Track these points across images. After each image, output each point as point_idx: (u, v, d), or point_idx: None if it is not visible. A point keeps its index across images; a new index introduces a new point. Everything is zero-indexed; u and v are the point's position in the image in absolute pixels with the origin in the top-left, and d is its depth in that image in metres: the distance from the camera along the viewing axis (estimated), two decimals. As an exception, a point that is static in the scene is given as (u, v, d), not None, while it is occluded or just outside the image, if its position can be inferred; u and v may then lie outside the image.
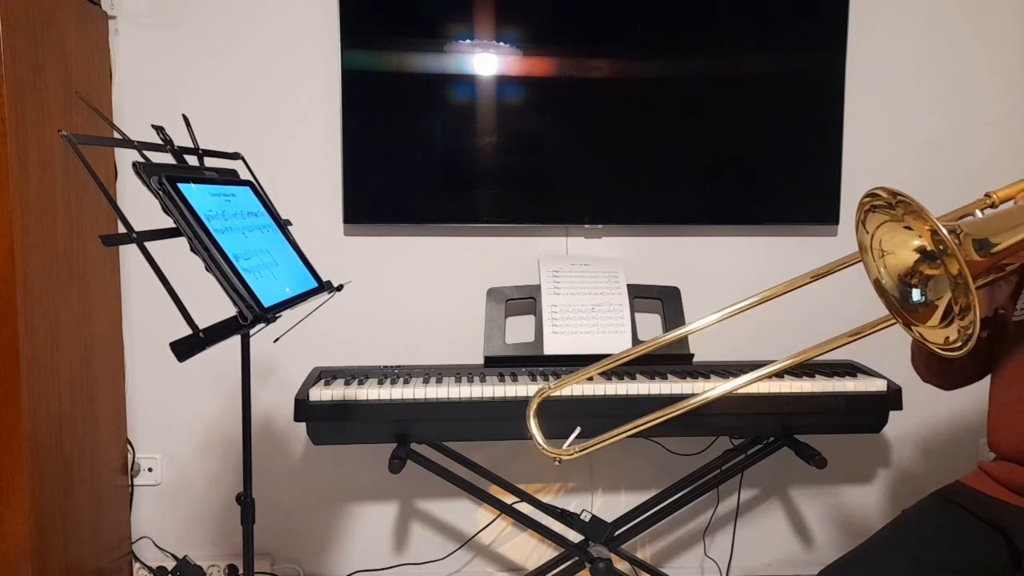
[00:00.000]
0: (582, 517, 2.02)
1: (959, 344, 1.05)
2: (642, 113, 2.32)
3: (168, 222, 1.33)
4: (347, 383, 1.96)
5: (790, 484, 2.52)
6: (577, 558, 2.04)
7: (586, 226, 2.37)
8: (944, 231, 1.00)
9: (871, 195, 1.12)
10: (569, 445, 1.33)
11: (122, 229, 1.25)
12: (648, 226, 2.39)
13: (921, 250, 1.10)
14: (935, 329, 1.09)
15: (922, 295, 1.12)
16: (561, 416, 1.89)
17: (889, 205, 1.10)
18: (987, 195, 1.18)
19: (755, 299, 1.31)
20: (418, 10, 2.24)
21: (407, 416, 1.91)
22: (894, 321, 1.17)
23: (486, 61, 2.25)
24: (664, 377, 1.99)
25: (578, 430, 1.36)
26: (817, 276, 1.30)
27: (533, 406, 1.35)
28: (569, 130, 2.32)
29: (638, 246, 2.40)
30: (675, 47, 2.31)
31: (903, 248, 1.12)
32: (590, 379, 1.97)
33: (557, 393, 1.39)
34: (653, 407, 1.93)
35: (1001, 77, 2.44)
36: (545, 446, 1.31)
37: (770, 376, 1.34)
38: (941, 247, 1.03)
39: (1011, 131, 2.46)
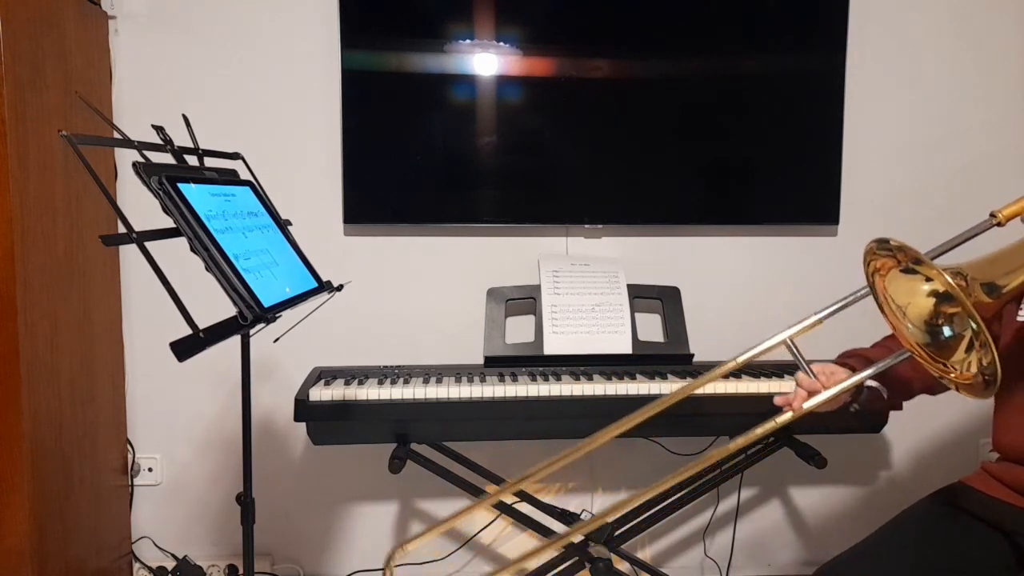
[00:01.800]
0: (582, 517, 2.02)
1: (977, 374, 1.05)
2: (642, 113, 2.32)
3: (168, 222, 1.33)
4: (347, 383, 1.96)
5: (790, 484, 2.52)
6: (577, 558, 2.04)
7: (586, 226, 2.37)
8: (948, 279, 0.99)
9: (876, 243, 1.09)
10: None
11: (122, 229, 1.25)
12: (648, 226, 2.39)
13: (935, 293, 1.10)
14: (963, 360, 1.09)
15: (951, 330, 1.11)
16: (562, 416, 1.91)
17: (890, 252, 1.09)
18: (992, 215, 1.16)
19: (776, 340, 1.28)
20: (418, 10, 2.24)
21: (407, 416, 1.91)
22: (907, 355, 1.16)
23: (486, 61, 2.25)
24: (664, 377, 1.99)
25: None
26: (826, 316, 1.28)
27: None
28: (569, 130, 2.32)
29: (638, 246, 2.40)
30: (675, 47, 2.31)
31: (915, 295, 1.11)
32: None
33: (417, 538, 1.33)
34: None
35: (999, 77, 2.44)
36: None
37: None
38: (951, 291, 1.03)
39: (1009, 131, 2.46)
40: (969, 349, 1.08)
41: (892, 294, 1.13)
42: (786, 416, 1.25)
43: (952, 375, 1.10)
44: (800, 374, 1.30)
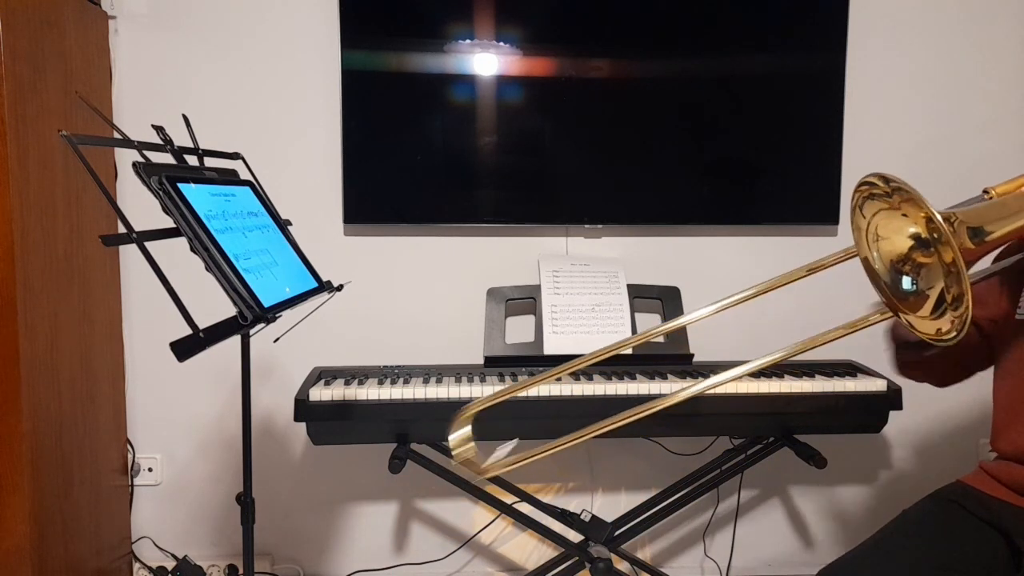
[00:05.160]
0: (582, 517, 2.03)
1: (952, 334, 1.04)
2: (642, 113, 2.32)
3: (168, 222, 1.33)
4: (347, 383, 1.96)
5: (790, 484, 2.52)
6: (577, 558, 2.04)
7: (586, 226, 2.37)
8: (939, 217, 1.00)
9: (868, 183, 1.11)
10: (494, 461, 1.28)
11: (122, 229, 1.25)
12: (648, 226, 2.39)
13: (916, 237, 1.10)
14: (926, 320, 1.09)
15: (913, 284, 1.12)
16: (562, 417, 1.91)
17: (886, 193, 1.09)
18: (985, 191, 1.18)
19: (749, 292, 1.30)
20: (418, 10, 2.24)
21: (407, 416, 1.91)
22: (890, 315, 1.17)
23: (486, 61, 2.25)
24: (664, 377, 1.99)
25: (516, 442, 1.31)
26: (813, 269, 1.30)
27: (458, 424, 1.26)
28: (569, 130, 2.32)
29: (638, 246, 2.40)
30: (675, 47, 2.31)
31: (898, 235, 1.11)
32: (558, 379, 1.97)
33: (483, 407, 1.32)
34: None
35: (999, 78, 2.44)
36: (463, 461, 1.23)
37: (756, 372, 1.31)
38: (935, 234, 1.03)
39: (1009, 132, 2.46)
40: (938, 311, 1.08)
41: (878, 222, 1.13)
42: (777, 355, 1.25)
43: (920, 331, 1.11)
44: None
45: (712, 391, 1.89)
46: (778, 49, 2.34)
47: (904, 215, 1.09)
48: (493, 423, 1.93)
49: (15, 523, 1.77)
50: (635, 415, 1.16)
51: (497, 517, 2.40)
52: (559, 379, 1.96)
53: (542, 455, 1.21)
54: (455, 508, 2.42)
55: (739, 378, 1.22)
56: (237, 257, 1.36)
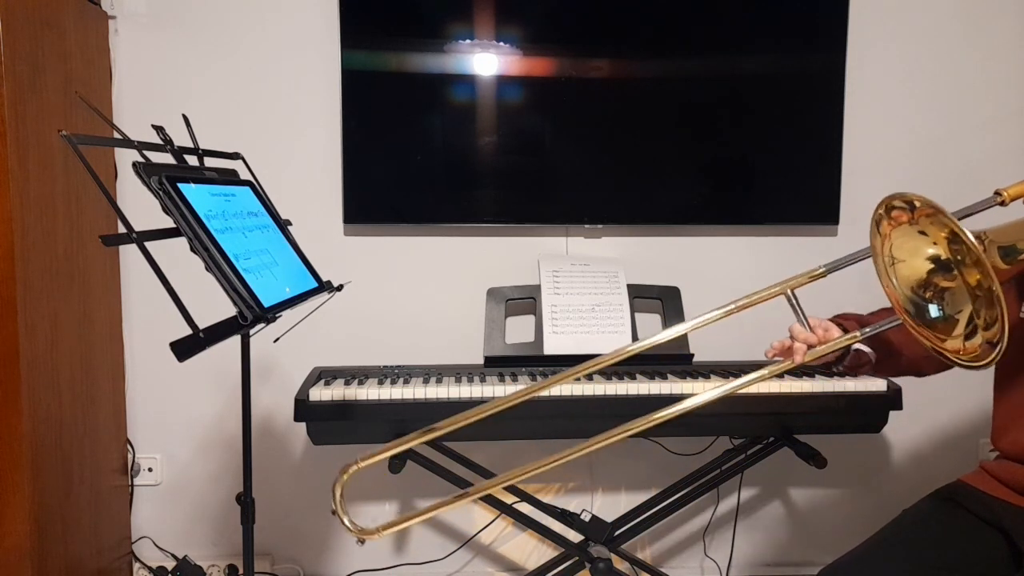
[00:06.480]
0: (582, 517, 2.02)
1: (979, 355, 1.00)
2: (642, 113, 2.32)
3: (168, 222, 1.33)
4: (347, 383, 1.96)
5: (790, 484, 2.52)
6: (577, 558, 2.04)
7: (586, 226, 2.37)
8: (970, 236, 0.95)
9: (889, 198, 1.06)
10: (379, 525, 1.30)
11: (122, 229, 1.25)
12: (648, 226, 2.39)
13: (935, 259, 1.05)
14: (958, 340, 1.04)
15: (940, 310, 1.06)
16: (562, 416, 1.91)
17: (907, 207, 1.04)
18: (997, 193, 1.15)
19: (763, 293, 1.31)
20: (418, 10, 2.24)
21: (407, 416, 1.90)
22: (898, 322, 1.13)
23: (486, 61, 2.25)
24: (664, 377, 1.99)
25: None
26: (831, 269, 1.28)
27: (339, 488, 1.31)
28: (569, 130, 2.32)
29: (638, 246, 2.40)
30: (675, 47, 2.31)
31: (915, 256, 1.07)
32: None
33: (368, 462, 1.37)
34: (652, 407, 1.94)
35: (998, 77, 2.44)
36: (350, 526, 1.27)
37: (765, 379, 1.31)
38: (959, 256, 0.98)
39: (1009, 131, 2.46)
40: (968, 332, 1.02)
41: (895, 241, 1.08)
42: (785, 364, 1.27)
43: (950, 356, 1.06)
44: (796, 326, 1.29)
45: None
46: (778, 49, 2.34)
47: (922, 232, 1.03)
48: (498, 423, 1.94)
49: (15, 523, 1.77)
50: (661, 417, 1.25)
51: (497, 517, 2.40)
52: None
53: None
54: (455, 508, 2.42)
55: (779, 375, 1.27)
56: (237, 257, 1.36)
